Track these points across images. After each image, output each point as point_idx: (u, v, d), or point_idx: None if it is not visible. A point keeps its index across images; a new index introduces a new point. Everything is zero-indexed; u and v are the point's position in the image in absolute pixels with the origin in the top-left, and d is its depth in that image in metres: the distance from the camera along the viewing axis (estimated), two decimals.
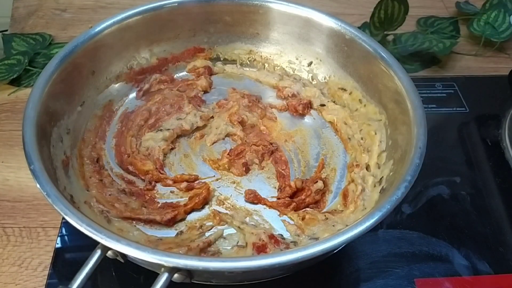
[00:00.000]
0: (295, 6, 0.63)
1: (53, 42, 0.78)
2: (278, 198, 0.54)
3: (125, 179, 0.55)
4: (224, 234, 0.50)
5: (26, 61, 0.72)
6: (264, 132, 0.61)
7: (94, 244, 0.39)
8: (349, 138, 0.60)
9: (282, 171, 0.56)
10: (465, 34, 0.84)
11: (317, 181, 0.54)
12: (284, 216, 0.52)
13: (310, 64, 0.66)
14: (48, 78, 0.51)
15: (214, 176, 0.56)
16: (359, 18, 0.85)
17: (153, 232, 0.50)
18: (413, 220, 0.57)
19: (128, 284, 0.50)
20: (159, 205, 0.53)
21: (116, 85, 0.62)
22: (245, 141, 0.59)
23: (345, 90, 0.63)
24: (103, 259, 0.40)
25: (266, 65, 0.69)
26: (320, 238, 0.47)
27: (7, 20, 0.84)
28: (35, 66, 0.73)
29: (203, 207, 0.53)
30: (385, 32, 0.78)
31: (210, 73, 0.67)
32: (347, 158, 0.59)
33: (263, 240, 0.47)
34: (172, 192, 0.54)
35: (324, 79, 0.65)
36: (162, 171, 0.55)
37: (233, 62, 0.69)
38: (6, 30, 0.83)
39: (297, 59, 0.67)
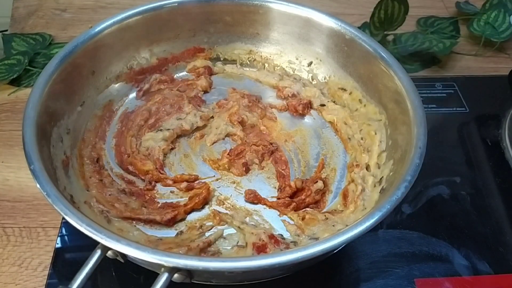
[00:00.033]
0: (295, 6, 0.63)
1: (53, 42, 0.78)
2: (278, 198, 0.54)
3: (125, 179, 0.55)
4: (224, 234, 0.50)
5: (26, 61, 0.72)
6: (264, 132, 0.61)
7: (94, 244, 0.39)
8: (349, 138, 0.60)
9: (282, 171, 0.56)
10: (465, 34, 0.84)
11: (317, 181, 0.54)
12: (284, 216, 0.52)
13: (310, 64, 0.66)
14: (48, 78, 0.51)
15: (214, 176, 0.56)
16: (359, 18, 0.85)
17: (153, 232, 0.50)
18: (413, 220, 0.57)
19: (128, 284, 0.50)
20: (159, 205, 0.53)
21: (116, 85, 0.62)
22: (245, 141, 0.59)
23: (345, 90, 0.63)
24: (103, 259, 0.40)
25: (266, 65, 0.69)
26: (320, 238, 0.47)
27: (7, 20, 0.84)
28: (35, 66, 0.73)
29: (203, 207, 0.53)
30: (385, 32, 0.78)
31: (210, 73, 0.67)
32: (347, 158, 0.59)
33: (263, 240, 0.47)
34: (172, 192, 0.54)
35: (324, 79, 0.65)
36: (162, 171, 0.55)
37: (233, 62, 0.69)
38: (6, 30, 0.83)
39: (297, 59, 0.67)
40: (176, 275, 0.38)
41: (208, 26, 0.66)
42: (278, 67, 0.68)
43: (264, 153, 0.58)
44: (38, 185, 0.42)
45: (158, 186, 0.54)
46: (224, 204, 0.53)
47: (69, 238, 0.54)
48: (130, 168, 0.55)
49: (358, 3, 0.90)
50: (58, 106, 0.53)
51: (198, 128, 0.61)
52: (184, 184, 0.54)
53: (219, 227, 0.51)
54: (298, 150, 0.59)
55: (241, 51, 0.69)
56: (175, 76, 0.67)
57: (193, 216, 0.52)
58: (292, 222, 0.52)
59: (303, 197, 0.53)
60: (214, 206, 0.53)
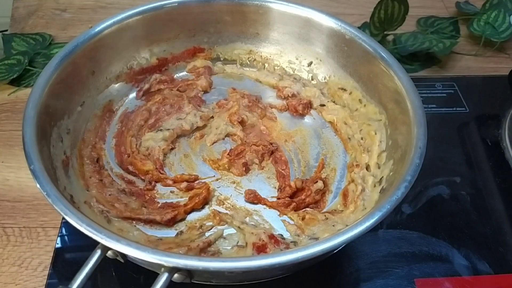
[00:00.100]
0: (295, 6, 0.63)
1: (53, 42, 0.78)
2: (278, 198, 0.54)
3: (125, 179, 0.55)
4: (224, 234, 0.50)
5: (26, 61, 0.72)
6: (264, 132, 0.61)
7: (94, 244, 0.39)
8: (349, 138, 0.60)
9: (282, 171, 0.56)
10: (465, 34, 0.84)
11: (317, 181, 0.54)
12: (284, 216, 0.52)
13: (310, 64, 0.66)
14: (48, 78, 0.51)
15: (214, 176, 0.56)
16: (359, 18, 0.85)
17: (153, 232, 0.50)
18: (413, 220, 0.57)
19: (128, 284, 0.50)
20: (159, 205, 0.53)
21: (116, 85, 0.62)
22: (245, 141, 0.59)
23: (345, 90, 0.63)
24: (103, 259, 0.40)
25: (266, 65, 0.69)
26: (320, 238, 0.47)
27: (7, 20, 0.84)
28: (35, 66, 0.73)
29: (203, 207, 0.53)
30: (385, 32, 0.78)
31: (210, 73, 0.67)
32: (347, 158, 0.59)
33: (263, 240, 0.47)
34: (172, 192, 0.54)
35: (324, 79, 0.65)
36: (162, 171, 0.55)
37: (233, 62, 0.69)
38: (6, 30, 0.83)
39: (297, 59, 0.67)
40: (176, 275, 0.38)
41: (208, 26, 0.66)
42: (278, 67, 0.68)
43: (264, 153, 0.58)
44: (38, 185, 0.42)
45: (158, 186, 0.54)
46: (224, 204, 0.53)
47: (69, 238, 0.54)
48: (130, 168, 0.55)
49: (358, 3, 0.90)
50: (58, 106, 0.53)
51: (198, 128, 0.61)
52: (184, 184, 0.54)
53: (219, 227, 0.51)
54: (298, 150, 0.59)
55: (241, 51, 0.69)
56: (175, 76, 0.67)
57: (193, 216, 0.52)
58: (292, 222, 0.52)
59: (303, 197, 0.53)
60: (214, 206, 0.53)
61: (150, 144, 0.57)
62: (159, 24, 0.63)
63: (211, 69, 0.68)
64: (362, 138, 0.59)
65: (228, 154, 0.57)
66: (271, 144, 0.59)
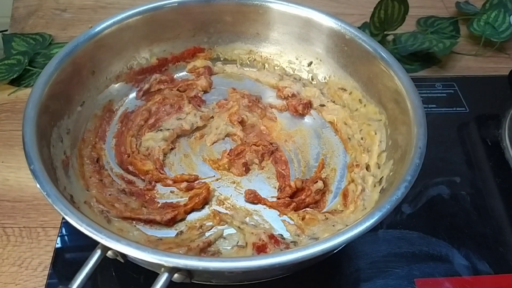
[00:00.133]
0: (295, 6, 0.63)
1: (53, 42, 0.79)
2: (278, 198, 0.54)
3: (125, 179, 0.55)
4: (224, 234, 0.50)
5: (26, 61, 0.72)
6: (264, 132, 0.61)
7: (94, 244, 0.39)
8: (349, 138, 0.60)
9: (282, 171, 0.56)
10: (465, 34, 0.84)
11: (317, 181, 0.54)
12: (284, 216, 0.52)
13: (310, 64, 0.66)
14: (48, 78, 0.51)
15: (214, 176, 0.56)
16: (359, 18, 0.85)
17: (153, 232, 0.50)
18: (413, 220, 0.57)
19: (128, 284, 0.50)
20: (159, 205, 0.53)
21: (116, 85, 0.62)
22: (245, 141, 0.59)
23: (345, 90, 0.63)
24: (103, 259, 0.40)
25: (266, 65, 0.69)
26: (320, 238, 0.47)
27: (7, 20, 0.84)
28: (35, 66, 0.73)
29: (203, 207, 0.53)
30: (385, 32, 0.78)
31: (210, 73, 0.67)
32: (347, 158, 0.59)
33: (263, 240, 0.47)
34: (172, 192, 0.54)
35: (324, 79, 0.65)
36: (162, 171, 0.55)
37: (233, 62, 0.69)
38: (6, 30, 0.83)
39: (297, 59, 0.67)
40: (176, 275, 0.38)
41: (208, 26, 0.66)
42: (278, 67, 0.68)
43: (264, 153, 0.58)
44: (38, 185, 0.42)
45: (158, 186, 0.54)
46: (224, 204, 0.53)
47: (69, 238, 0.54)
48: (130, 168, 0.55)
49: (358, 3, 0.90)
50: (58, 106, 0.53)
51: (198, 128, 0.61)
52: (184, 184, 0.54)
53: (219, 227, 0.51)
54: (298, 150, 0.59)
55: (241, 51, 0.69)
56: (175, 76, 0.67)
57: (193, 216, 0.52)
58: (292, 222, 0.52)
59: (303, 197, 0.53)
60: (214, 206, 0.53)
61: (150, 144, 0.57)
62: (159, 24, 0.63)
63: (211, 69, 0.68)
64: (362, 138, 0.59)
65: (228, 154, 0.57)
66: (271, 144, 0.59)
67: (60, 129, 0.53)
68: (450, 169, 0.64)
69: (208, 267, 0.37)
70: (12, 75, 0.71)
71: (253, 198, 0.53)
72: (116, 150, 0.57)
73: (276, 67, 0.68)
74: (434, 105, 0.71)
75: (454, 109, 0.72)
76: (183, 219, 0.51)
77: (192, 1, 0.64)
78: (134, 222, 0.50)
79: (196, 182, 0.55)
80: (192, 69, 0.67)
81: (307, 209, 0.53)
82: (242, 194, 0.54)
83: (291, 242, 0.49)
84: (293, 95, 0.64)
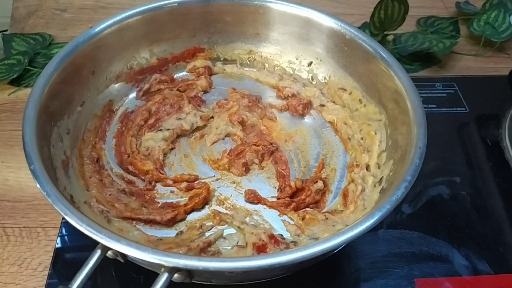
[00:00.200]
0: (295, 6, 0.63)
1: (53, 42, 0.78)
2: (278, 198, 0.54)
3: (125, 179, 0.55)
4: (224, 234, 0.50)
5: (26, 61, 0.72)
6: (264, 132, 0.61)
7: (94, 244, 0.39)
8: (349, 138, 0.60)
9: (282, 171, 0.56)
10: (465, 34, 0.84)
11: (317, 181, 0.54)
12: (284, 216, 0.52)
13: (310, 64, 0.66)
14: (48, 78, 0.51)
15: (214, 176, 0.56)
16: (359, 18, 0.85)
17: (153, 232, 0.50)
18: (413, 220, 0.57)
19: (128, 284, 0.50)
20: (159, 205, 0.53)
21: (116, 85, 0.62)
22: (245, 141, 0.59)
23: (345, 90, 0.63)
24: (103, 259, 0.40)
25: (266, 65, 0.69)
26: (320, 238, 0.47)
27: (7, 20, 0.84)
28: (35, 66, 0.73)
29: (203, 207, 0.53)
30: (385, 32, 0.78)
31: (210, 73, 0.67)
32: (347, 158, 0.59)
33: (263, 240, 0.47)
34: (172, 192, 0.54)
35: (324, 79, 0.65)
36: (162, 171, 0.55)
37: (233, 62, 0.69)
38: (6, 30, 0.83)
39: (297, 59, 0.67)
40: (176, 275, 0.38)
41: (208, 26, 0.66)
42: (278, 67, 0.68)
43: (264, 153, 0.58)
44: (38, 185, 0.42)
45: (158, 186, 0.54)
46: (224, 204, 0.53)
47: (69, 238, 0.54)
48: (130, 168, 0.55)
49: (358, 3, 0.90)
50: (58, 106, 0.53)
51: (198, 128, 0.61)
52: (184, 184, 0.54)
53: (219, 227, 0.51)
54: (298, 150, 0.59)
55: (241, 51, 0.69)
56: (175, 76, 0.67)
57: (193, 216, 0.52)
58: (292, 222, 0.52)
59: (303, 197, 0.53)
60: (214, 206, 0.53)
61: (150, 144, 0.57)
62: (159, 24, 0.63)
63: (211, 69, 0.68)
64: (362, 138, 0.59)
65: (228, 154, 0.57)
66: (271, 144, 0.59)
67: (60, 129, 0.53)
68: (450, 169, 0.64)
69: (208, 267, 0.37)
70: (12, 75, 0.71)
71: (253, 198, 0.53)
72: (116, 150, 0.57)
73: (276, 67, 0.68)
74: (434, 105, 0.71)
75: (454, 109, 0.72)
76: (183, 219, 0.51)
77: (192, 1, 0.64)
78: (134, 222, 0.50)
79: (196, 182, 0.55)
80: (192, 69, 0.67)
81: (307, 209, 0.53)
82: (242, 194, 0.54)
83: (291, 242, 0.49)
84: (293, 95, 0.64)
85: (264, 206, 0.53)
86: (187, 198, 0.53)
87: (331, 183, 0.56)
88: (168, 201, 0.53)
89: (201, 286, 0.47)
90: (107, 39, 0.59)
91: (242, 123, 0.61)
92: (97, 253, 0.40)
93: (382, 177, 0.52)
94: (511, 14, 0.81)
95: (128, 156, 0.56)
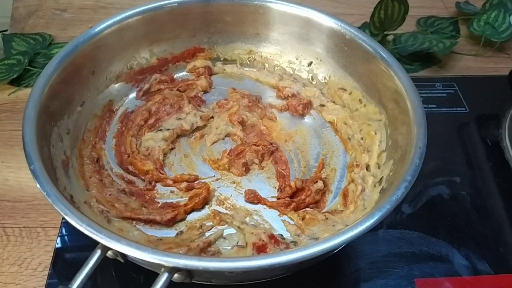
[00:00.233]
0: (295, 6, 0.63)
1: (53, 42, 0.79)
2: (278, 198, 0.54)
3: (125, 179, 0.55)
4: (224, 234, 0.50)
5: (26, 61, 0.72)
6: (264, 132, 0.61)
7: (94, 244, 0.39)
8: (349, 138, 0.60)
9: (282, 171, 0.56)
10: (465, 34, 0.84)
11: (317, 181, 0.54)
12: (284, 216, 0.52)
13: (310, 64, 0.66)
14: (48, 78, 0.51)
15: (214, 176, 0.56)
16: (359, 18, 0.85)
17: (153, 232, 0.50)
18: (413, 220, 0.57)
19: (128, 284, 0.50)
20: (159, 205, 0.53)
21: (116, 85, 0.62)
22: (245, 141, 0.59)
23: (345, 90, 0.63)
24: (103, 259, 0.40)
25: (266, 65, 0.69)
26: (320, 238, 0.47)
27: (7, 20, 0.84)
28: (35, 66, 0.73)
29: (203, 207, 0.53)
30: (385, 32, 0.78)
31: (210, 73, 0.67)
32: (347, 158, 0.59)
33: (263, 240, 0.47)
34: (172, 192, 0.54)
35: (324, 79, 0.65)
36: (162, 171, 0.55)
37: (233, 62, 0.69)
38: (6, 30, 0.83)
39: (297, 59, 0.67)
40: (176, 275, 0.38)
41: (208, 26, 0.66)
42: (278, 67, 0.68)
43: (264, 153, 0.58)
44: (38, 185, 0.42)
45: (158, 186, 0.54)
46: (224, 204, 0.53)
47: (69, 238, 0.54)
48: (130, 168, 0.55)
49: (358, 3, 0.90)
50: (58, 106, 0.53)
51: (198, 128, 0.61)
52: (184, 184, 0.54)
53: (219, 227, 0.51)
54: (298, 150, 0.59)
55: (241, 51, 0.69)
56: (175, 76, 0.67)
57: (193, 216, 0.52)
58: (292, 222, 0.52)
59: (303, 197, 0.53)
60: (214, 206, 0.53)
61: (150, 144, 0.57)
62: (159, 24, 0.63)
63: (211, 69, 0.68)
64: (362, 138, 0.59)
65: (228, 154, 0.57)
66: (271, 144, 0.59)
67: (60, 129, 0.53)
68: (450, 169, 0.64)
69: (208, 267, 0.37)
70: (12, 75, 0.71)
71: (253, 198, 0.53)
72: (116, 150, 0.57)
73: (276, 67, 0.68)
74: (434, 105, 0.71)
75: (454, 109, 0.72)
76: (183, 219, 0.51)
77: (192, 1, 0.64)
78: (134, 222, 0.50)
79: (196, 182, 0.55)
80: (192, 69, 0.67)
81: (307, 209, 0.53)
82: (242, 194, 0.54)
83: (291, 242, 0.49)
84: (293, 95, 0.64)
85: (264, 206, 0.53)
86: (187, 198, 0.53)
87: (331, 183, 0.56)
88: (168, 201, 0.53)
89: (201, 286, 0.47)
90: (107, 39, 0.59)
91: (242, 123, 0.61)
92: (97, 253, 0.40)
93: (382, 177, 0.52)
94: (511, 14, 0.81)
95: (128, 156, 0.56)
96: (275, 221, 0.52)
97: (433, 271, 0.53)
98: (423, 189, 0.60)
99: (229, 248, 0.49)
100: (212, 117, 0.62)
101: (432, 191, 0.61)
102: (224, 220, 0.51)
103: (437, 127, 0.68)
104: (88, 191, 0.52)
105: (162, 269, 0.38)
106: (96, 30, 0.57)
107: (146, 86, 0.64)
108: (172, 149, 0.59)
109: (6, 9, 0.86)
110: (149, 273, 0.42)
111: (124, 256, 0.40)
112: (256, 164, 0.57)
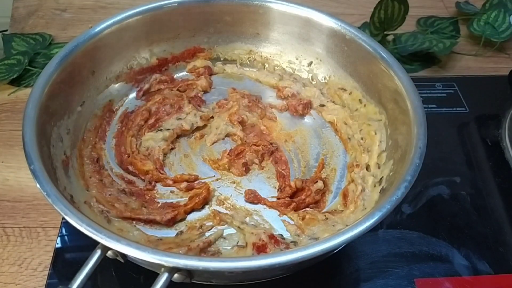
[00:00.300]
0: (295, 6, 0.63)
1: (53, 42, 0.79)
2: (278, 198, 0.54)
3: (125, 179, 0.55)
4: (224, 234, 0.50)
5: (26, 61, 0.72)
6: (264, 132, 0.61)
7: (94, 244, 0.39)
8: (349, 138, 0.60)
9: (282, 171, 0.56)
10: (465, 34, 0.84)
11: (317, 181, 0.54)
12: (284, 216, 0.52)
13: (310, 64, 0.66)
14: (48, 78, 0.51)
15: (214, 176, 0.56)
16: (359, 18, 0.85)
17: (153, 232, 0.50)
18: (413, 220, 0.57)
19: (128, 284, 0.50)
20: (159, 205, 0.53)
21: (116, 85, 0.62)
22: (245, 141, 0.59)
23: (345, 90, 0.63)
24: (103, 259, 0.40)
25: (266, 65, 0.69)
26: (320, 238, 0.47)
27: (7, 20, 0.84)
28: (35, 66, 0.73)
29: (203, 207, 0.53)
30: (385, 32, 0.78)
31: (210, 73, 0.67)
32: (347, 158, 0.59)
33: (263, 240, 0.47)
34: (172, 192, 0.54)
35: (324, 79, 0.65)
36: (162, 171, 0.55)
37: (233, 62, 0.69)
38: (6, 30, 0.83)
39: (297, 59, 0.67)
40: (176, 275, 0.38)
41: (208, 26, 0.66)
42: (278, 67, 0.68)
43: (264, 153, 0.58)
44: (38, 185, 0.42)
45: (158, 186, 0.54)
46: (224, 204, 0.53)
47: (69, 238, 0.54)
48: (130, 168, 0.55)
49: (358, 3, 0.90)
50: (58, 106, 0.53)
51: (198, 128, 0.61)
52: (184, 184, 0.54)
53: (219, 227, 0.51)
54: (298, 150, 0.59)
55: (241, 51, 0.69)
56: (175, 76, 0.67)
57: (193, 216, 0.52)
58: (292, 222, 0.52)
59: (303, 197, 0.53)
60: (214, 206, 0.53)
61: (150, 144, 0.57)
62: (159, 24, 0.63)
63: (211, 69, 0.68)
64: (362, 138, 0.59)
65: (228, 154, 0.57)
66: (271, 144, 0.59)
67: (60, 129, 0.53)
68: (450, 169, 0.64)
69: (208, 267, 0.37)
70: (12, 75, 0.71)
71: (253, 198, 0.53)
72: (116, 150, 0.57)
73: (276, 67, 0.68)
74: (434, 105, 0.71)
75: (454, 109, 0.72)
76: (183, 219, 0.51)
77: (192, 1, 0.64)
78: (134, 222, 0.50)
79: (196, 182, 0.55)
80: (192, 69, 0.67)
81: (307, 209, 0.53)
82: (242, 194, 0.54)
83: (291, 242, 0.49)
84: (293, 95, 0.64)
85: (264, 206, 0.53)
86: (187, 198, 0.53)
87: (331, 183, 0.56)
88: (168, 201, 0.53)
89: (201, 286, 0.47)
90: (107, 39, 0.59)
91: (242, 123, 0.61)
92: (97, 253, 0.40)
93: (382, 177, 0.52)
94: (511, 14, 0.81)
95: (128, 156, 0.56)
96: (275, 221, 0.52)
97: (433, 271, 0.53)
98: (423, 189, 0.61)
99: (229, 248, 0.49)
100: (212, 117, 0.62)
101: (432, 191, 0.61)
102: (224, 220, 0.51)
103: (437, 127, 0.68)
104: (88, 191, 0.52)
105: (162, 269, 0.38)
106: (96, 30, 0.57)
107: (146, 86, 0.64)
108: (172, 149, 0.59)
109: (6, 9, 0.86)
110: (149, 273, 0.42)
111: (124, 256, 0.40)
112: (256, 164, 0.57)
